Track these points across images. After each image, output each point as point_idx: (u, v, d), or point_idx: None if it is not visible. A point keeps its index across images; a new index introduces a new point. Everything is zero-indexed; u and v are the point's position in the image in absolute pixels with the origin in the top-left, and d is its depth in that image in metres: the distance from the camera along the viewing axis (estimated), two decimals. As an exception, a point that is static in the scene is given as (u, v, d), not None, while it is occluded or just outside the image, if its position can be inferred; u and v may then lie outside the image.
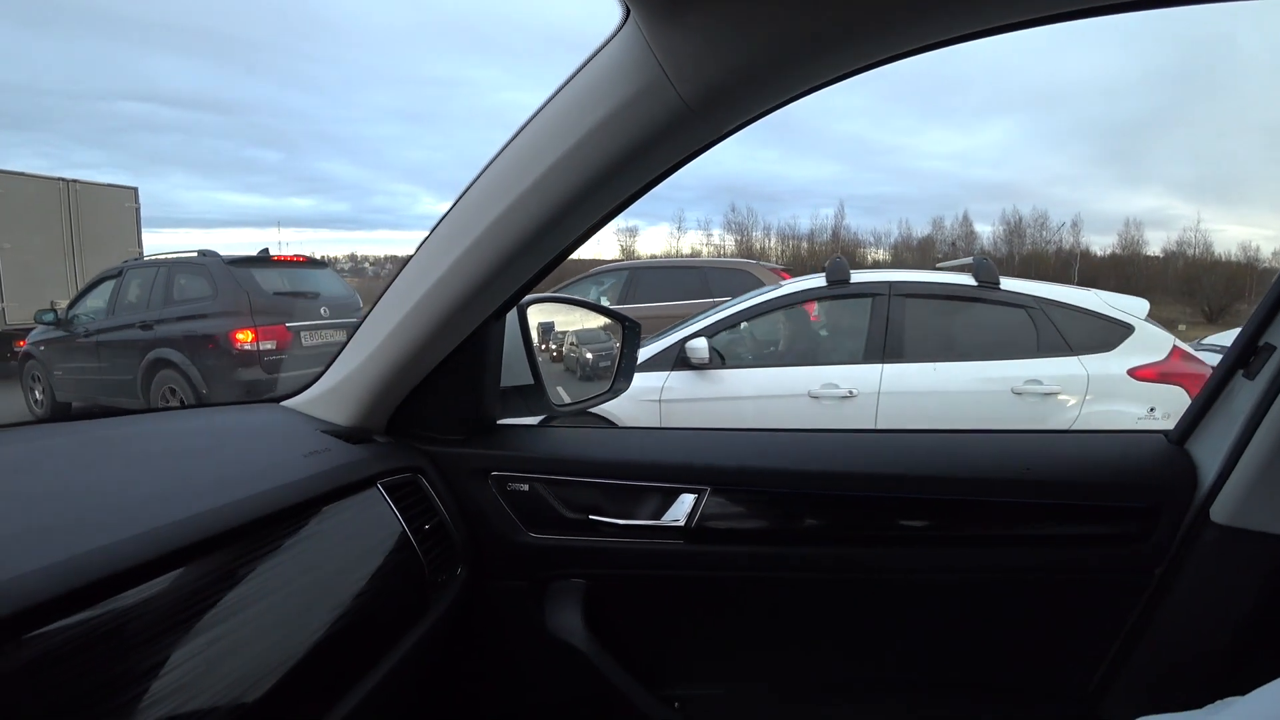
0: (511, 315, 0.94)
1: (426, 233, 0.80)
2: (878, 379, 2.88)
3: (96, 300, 5.81)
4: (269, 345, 4.98)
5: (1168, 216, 61.67)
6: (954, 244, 39.26)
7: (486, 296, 0.79)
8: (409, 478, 0.84)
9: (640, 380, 2.97)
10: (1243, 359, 0.87)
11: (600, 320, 1.30)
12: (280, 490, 0.64)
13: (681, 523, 0.89)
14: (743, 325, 3.22)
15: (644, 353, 3.07)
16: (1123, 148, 61.51)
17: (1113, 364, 2.82)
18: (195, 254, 5.40)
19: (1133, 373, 2.79)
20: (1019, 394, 2.80)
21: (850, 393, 2.87)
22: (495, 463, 0.92)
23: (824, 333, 3.35)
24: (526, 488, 0.91)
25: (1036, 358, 2.86)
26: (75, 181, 9.24)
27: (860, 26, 0.54)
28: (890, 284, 3.04)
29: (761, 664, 0.98)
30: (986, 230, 41.06)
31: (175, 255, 5.56)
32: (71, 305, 5.99)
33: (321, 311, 5.45)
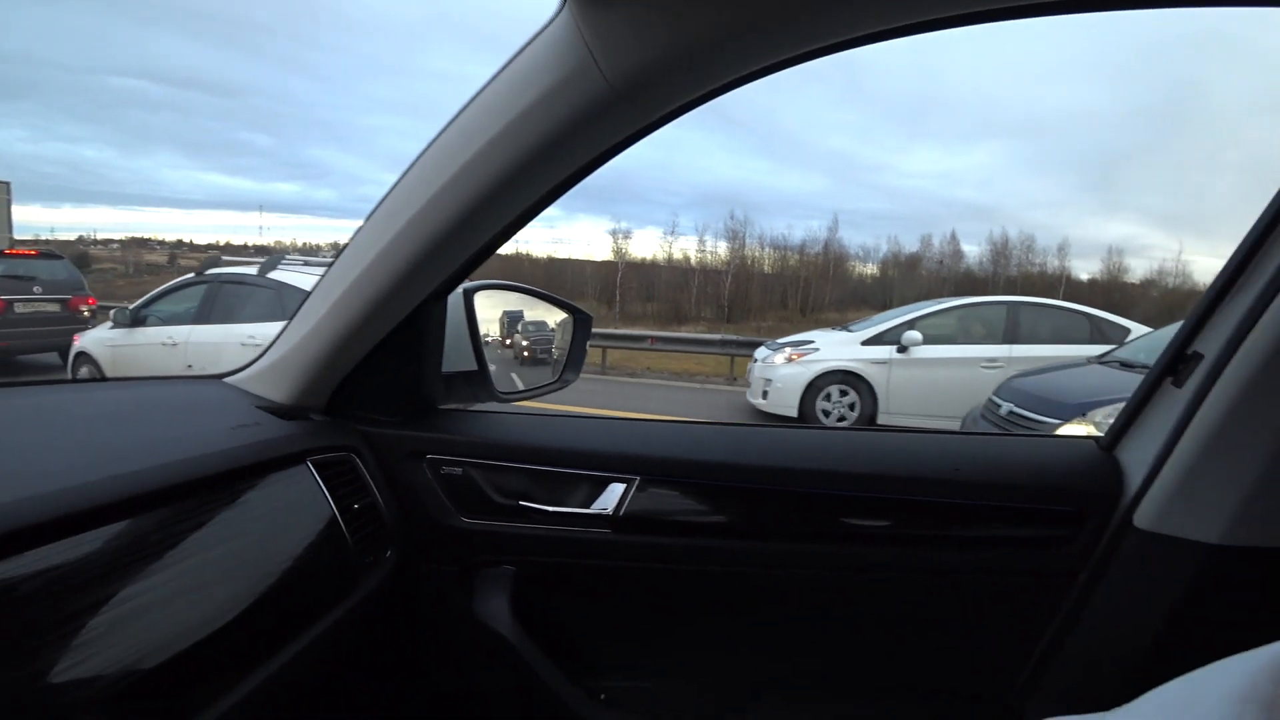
0: (457, 301, 0.95)
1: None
2: (190, 333, 4.76)
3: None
4: (-12, 310, 7.12)
5: (1142, 245, 64.78)
6: (941, 261, 39.68)
7: (421, 279, 0.80)
8: (342, 456, 0.85)
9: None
10: (1171, 367, 0.87)
11: (556, 311, 1.29)
12: (198, 460, 0.64)
13: (609, 511, 0.88)
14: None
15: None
16: (1101, 178, 62.18)
17: None
18: None
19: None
20: (245, 345, 4.54)
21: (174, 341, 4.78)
22: (430, 445, 0.92)
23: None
24: (460, 471, 0.91)
25: (266, 322, 4.48)
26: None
27: (795, 15, 0.54)
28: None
29: (687, 658, 0.97)
30: (974, 250, 40.82)
31: None
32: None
33: (35, 290, 7.58)
